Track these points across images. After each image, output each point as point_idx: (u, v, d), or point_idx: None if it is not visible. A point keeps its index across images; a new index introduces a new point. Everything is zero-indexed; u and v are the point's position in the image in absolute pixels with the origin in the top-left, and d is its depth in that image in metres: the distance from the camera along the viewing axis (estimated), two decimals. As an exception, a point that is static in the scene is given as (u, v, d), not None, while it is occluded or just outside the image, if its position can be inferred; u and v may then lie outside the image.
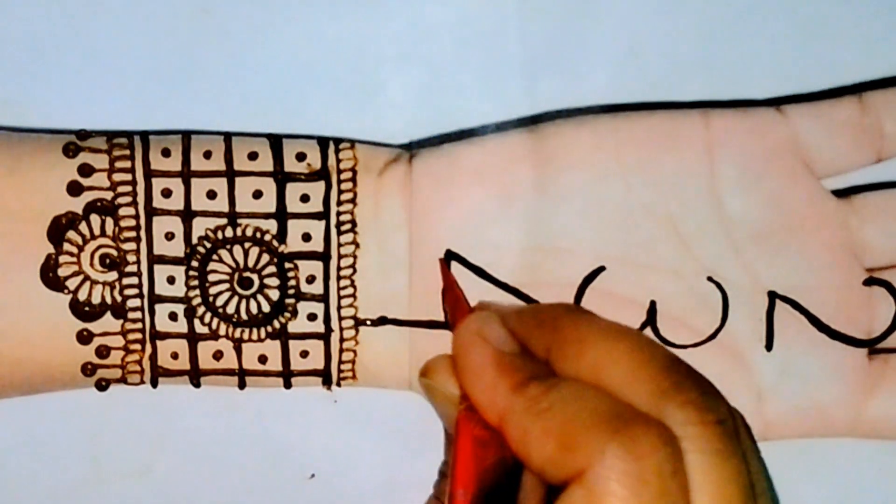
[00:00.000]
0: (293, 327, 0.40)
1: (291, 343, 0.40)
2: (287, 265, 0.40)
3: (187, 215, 0.40)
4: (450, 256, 0.40)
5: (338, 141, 0.41)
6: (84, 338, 0.40)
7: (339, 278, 0.40)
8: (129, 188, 0.40)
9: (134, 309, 0.40)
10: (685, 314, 0.40)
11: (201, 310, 0.40)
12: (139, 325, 0.40)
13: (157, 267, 0.40)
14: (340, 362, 0.41)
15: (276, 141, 0.40)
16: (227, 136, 0.40)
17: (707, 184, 0.40)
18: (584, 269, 0.40)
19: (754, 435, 0.40)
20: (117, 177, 0.40)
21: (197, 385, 0.41)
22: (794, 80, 0.42)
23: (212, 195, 0.40)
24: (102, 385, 0.41)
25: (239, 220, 0.40)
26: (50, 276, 0.39)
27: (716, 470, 0.31)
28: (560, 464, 0.31)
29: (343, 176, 0.40)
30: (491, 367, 0.34)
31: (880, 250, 0.41)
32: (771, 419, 0.41)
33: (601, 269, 0.40)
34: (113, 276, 0.40)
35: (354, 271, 0.40)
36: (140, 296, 0.40)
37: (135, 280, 0.40)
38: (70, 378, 0.40)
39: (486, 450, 0.33)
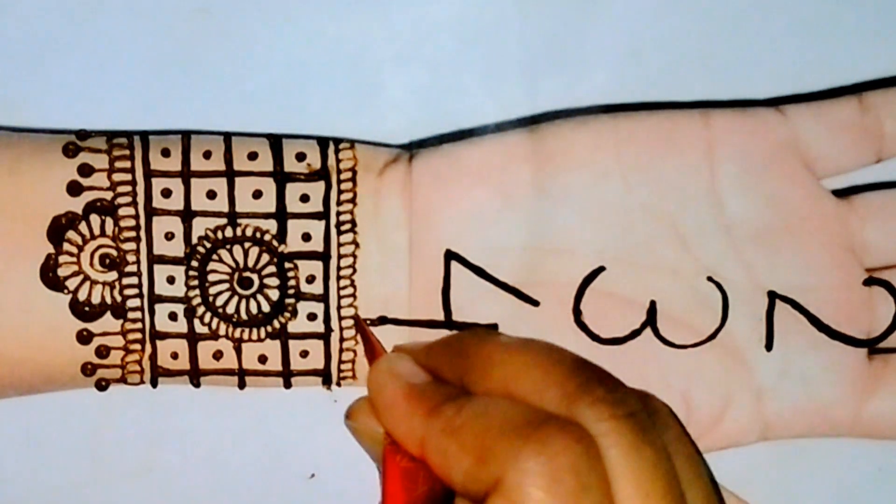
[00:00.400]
0: (293, 327, 0.40)
1: (291, 343, 0.40)
2: (287, 265, 0.40)
3: (187, 215, 0.40)
4: (450, 256, 0.40)
5: (338, 141, 0.41)
6: (84, 338, 0.40)
7: (339, 278, 0.40)
8: (128, 188, 0.40)
9: (134, 309, 0.40)
10: (685, 314, 0.40)
11: (201, 310, 0.40)
12: (139, 325, 0.40)
13: (156, 267, 0.40)
14: (340, 362, 0.41)
15: (275, 141, 0.40)
16: (227, 136, 0.40)
17: (707, 184, 0.40)
18: (584, 269, 0.40)
19: (754, 435, 0.41)
20: (117, 177, 0.40)
21: (197, 385, 0.41)
22: (794, 80, 0.42)
23: (211, 195, 0.40)
24: (102, 385, 0.41)
25: (239, 220, 0.40)
26: (50, 276, 0.39)
27: (632, 462, 0.30)
28: (478, 477, 0.31)
29: (343, 176, 0.40)
30: (403, 399, 0.34)
31: (880, 250, 0.41)
32: (771, 419, 0.41)
33: (601, 269, 0.40)
34: (113, 276, 0.40)
35: (354, 271, 0.40)
36: (140, 296, 0.40)
37: (135, 280, 0.40)
38: (70, 378, 0.40)
39: (414, 481, 0.33)
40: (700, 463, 0.33)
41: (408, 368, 0.36)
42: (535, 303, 0.40)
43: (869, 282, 0.41)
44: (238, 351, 0.40)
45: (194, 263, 0.40)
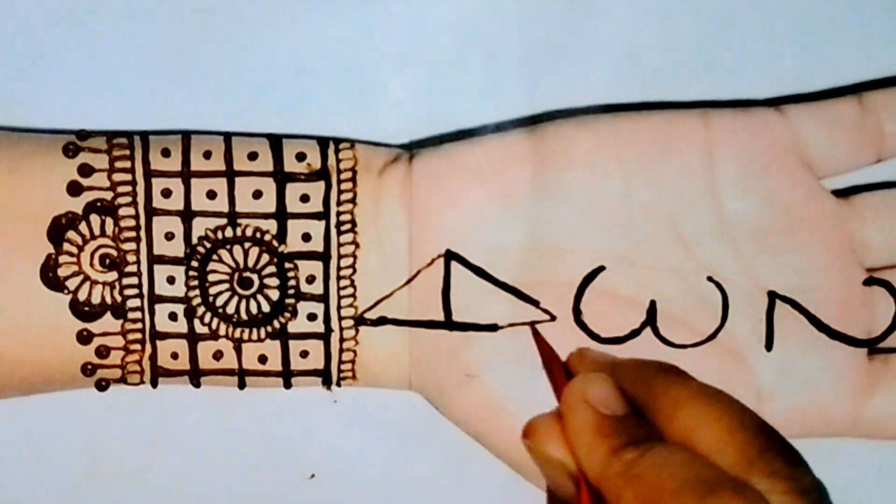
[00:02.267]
0: (293, 327, 0.40)
1: (291, 343, 0.40)
2: (287, 265, 0.40)
3: (187, 215, 0.40)
4: (450, 256, 0.40)
5: (338, 141, 0.41)
6: (84, 338, 0.40)
7: (339, 278, 0.40)
8: (128, 188, 0.40)
9: (134, 309, 0.40)
10: (685, 314, 0.40)
11: (201, 310, 0.40)
12: (139, 325, 0.40)
13: (156, 267, 0.40)
14: (340, 362, 0.41)
15: (275, 141, 0.40)
16: (227, 136, 0.40)
17: (707, 184, 0.40)
18: (584, 269, 0.40)
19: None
20: (117, 177, 0.40)
21: (197, 385, 0.41)
22: (794, 80, 0.42)
23: (212, 195, 0.40)
24: (102, 385, 0.41)
25: (239, 220, 0.40)
26: (50, 276, 0.39)
27: None
28: None
29: (343, 176, 0.40)
30: (591, 431, 0.34)
31: (880, 250, 0.41)
32: (771, 419, 0.40)
33: (601, 269, 0.40)
34: (113, 276, 0.40)
35: (354, 271, 0.40)
36: (140, 296, 0.40)
37: (135, 280, 0.40)
38: (70, 378, 0.40)
39: None
40: None
41: (602, 395, 0.35)
42: (536, 303, 0.40)
43: (869, 282, 0.41)
44: (238, 351, 0.40)
45: (194, 263, 0.40)
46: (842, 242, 0.41)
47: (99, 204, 0.40)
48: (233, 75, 0.41)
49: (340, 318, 0.40)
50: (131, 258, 0.40)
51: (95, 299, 0.40)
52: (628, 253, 0.40)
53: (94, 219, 0.39)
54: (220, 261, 0.40)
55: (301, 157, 0.40)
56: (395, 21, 0.41)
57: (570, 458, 0.34)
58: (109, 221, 0.40)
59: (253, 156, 0.40)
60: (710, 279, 0.40)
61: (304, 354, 0.41)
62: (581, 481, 0.33)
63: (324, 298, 0.40)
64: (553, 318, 0.40)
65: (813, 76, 0.42)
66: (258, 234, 0.40)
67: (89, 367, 0.40)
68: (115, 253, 0.40)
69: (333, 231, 0.40)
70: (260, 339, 0.40)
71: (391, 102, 0.42)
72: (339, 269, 0.40)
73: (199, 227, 0.40)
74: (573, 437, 0.34)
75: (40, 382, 0.41)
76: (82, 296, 0.40)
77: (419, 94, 0.42)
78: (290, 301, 0.40)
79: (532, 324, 0.40)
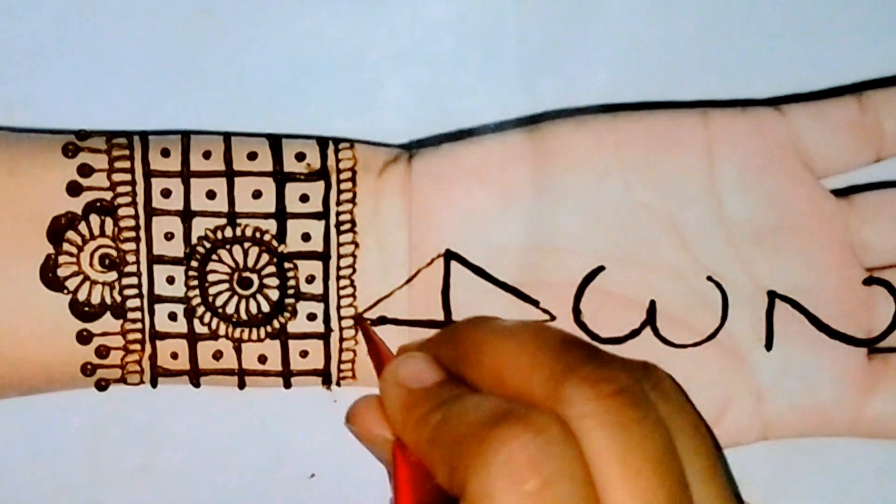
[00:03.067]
0: (293, 327, 0.40)
1: (291, 343, 0.40)
2: (287, 265, 0.40)
3: (187, 215, 0.40)
4: (450, 256, 0.40)
5: (337, 141, 0.41)
6: (84, 338, 0.40)
7: (338, 278, 0.40)
8: (128, 188, 0.40)
9: (133, 309, 0.40)
10: (685, 314, 0.40)
11: (201, 310, 0.40)
12: (139, 326, 0.40)
13: (156, 267, 0.40)
14: (340, 362, 0.41)
15: (275, 141, 0.40)
16: (227, 136, 0.40)
17: (707, 184, 0.40)
18: (584, 269, 0.40)
19: (754, 435, 0.41)
20: (117, 177, 0.40)
21: (197, 385, 0.41)
22: (794, 80, 0.42)
23: (211, 195, 0.40)
24: (102, 385, 0.41)
25: (238, 220, 0.40)
26: (49, 277, 0.39)
27: (618, 441, 0.30)
28: (453, 486, 0.31)
29: (342, 176, 0.40)
30: (401, 408, 0.34)
31: (880, 250, 0.41)
32: (771, 419, 0.41)
33: (601, 268, 0.40)
34: (112, 276, 0.40)
35: (354, 271, 0.40)
36: (140, 296, 0.40)
37: (134, 280, 0.40)
38: (70, 378, 0.40)
39: (423, 477, 0.33)
40: (705, 434, 0.32)
41: (411, 371, 0.35)
42: (535, 303, 0.40)
43: (869, 281, 0.41)
44: (238, 351, 0.40)
45: (194, 263, 0.40)
46: (842, 242, 0.40)
47: (98, 204, 0.40)
48: (233, 75, 0.41)
49: (340, 318, 0.40)
50: (131, 258, 0.40)
51: (95, 299, 0.40)
52: (628, 253, 0.40)
53: (94, 219, 0.39)
54: (220, 261, 0.40)
55: (301, 156, 0.40)
56: (395, 21, 0.41)
57: (391, 434, 0.35)
58: (109, 221, 0.40)
59: (252, 156, 0.40)
60: (709, 279, 0.40)
61: (304, 354, 0.41)
62: (395, 452, 0.34)
63: (323, 298, 0.40)
64: (553, 318, 0.40)
65: (813, 76, 0.42)
66: (258, 234, 0.40)
67: (89, 367, 0.40)
68: (114, 253, 0.40)
69: (333, 231, 0.40)
70: (260, 339, 0.40)
71: (391, 102, 0.42)
72: (338, 268, 0.40)
73: (199, 227, 0.40)
74: (391, 420, 0.35)
75: (40, 382, 0.41)
76: (82, 296, 0.40)
77: (419, 94, 0.42)
78: (290, 301, 0.40)
79: (359, 317, 0.40)
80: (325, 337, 0.41)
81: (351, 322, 0.40)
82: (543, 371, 0.31)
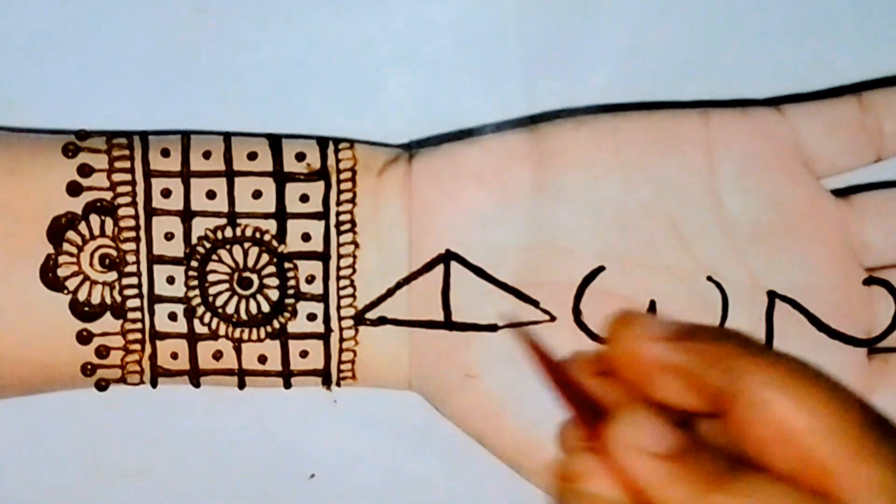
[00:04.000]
0: (293, 327, 0.40)
1: (291, 343, 0.40)
2: (287, 265, 0.40)
3: (187, 215, 0.40)
4: (450, 256, 0.40)
5: (337, 141, 0.41)
6: (84, 338, 0.40)
7: (338, 278, 0.40)
8: (128, 188, 0.40)
9: (133, 309, 0.40)
10: (685, 314, 0.40)
11: (201, 310, 0.40)
12: (139, 326, 0.40)
13: (156, 267, 0.40)
14: (340, 362, 0.41)
15: (275, 141, 0.40)
16: (227, 136, 0.40)
17: (707, 184, 0.40)
18: (584, 269, 0.40)
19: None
20: (117, 177, 0.40)
21: (197, 385, 0.41)
22: (794, 80, 0.42)
23: (211, 195, 0.40)
24: (102, 385, 0.41)
25: (238, 220, 0.40)
26: (49, 277, 0.39)
27: None
28: None
29: (342, 176, 0.40)
30: (660, 479, 0.29)
31: (880, 250, 0.41)
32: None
33: (601, 268, 0.40)
34: (112, 276, 0.40)
35: (354, 271, 0.40)
36: (140, 296, 0.40)
37: (134, 280, 0.40)
38: (70, 378, 0.40)
39: None
40: None
41: (650, 435, 0.29)
42: (536, 303, 0.40)
43: (869, 281, 0.41)
44: (238, 351, 0.40)
45: (194, 263, 0.40)
46: (841, 242, 0.40)
47: (98, 204, 0.40)
48: (233, 75, 0.42)
49: (340, 318, 0.40)
50: (131, 258, 0.40)
51: (95, 299, 0.40)
52: (628, 253, 0.40)
53: (94, 219, 0.40)
54: (220, 261, 0.40)
55: (300, 156, 0.40)
56: (395, 21, 0.42)
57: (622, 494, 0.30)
58: (109, 221, 0.40)
59: (252, 156, 0.40)
60: (709, 279, 0.40)
61: (304, 354, 0.41)
62: None
63: (323, 298, 0.40)
64: (553, 319, 0.40)
65: (813, 76, 0.42)
66: (258, 234, 0.40)
67: (89, 367, 0.40)
68: (114, 253, 0.40)
69: (333, 231, 0.40)
70: (260, 339, 0.40)
71: (391, 102, 0.42)
72: (338, 269, 0.40)
73: (199, 227, 0.40)
74: (645, 492, 0.29)
75: (40, 382, 0.41)
76: (82, 296, 0.40)
77: (419, 94, 0.42)
78: (290, 301, 0.40)
79: (531, 342, 0.33)
80: (324, 337, 0.41)
81: (351, 322, 0.40)
82: (845, 446, 0.28)
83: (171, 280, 0.40)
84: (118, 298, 0.40)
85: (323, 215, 0.40)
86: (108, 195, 0.40)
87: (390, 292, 0.40)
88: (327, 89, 0.42)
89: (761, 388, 0.29)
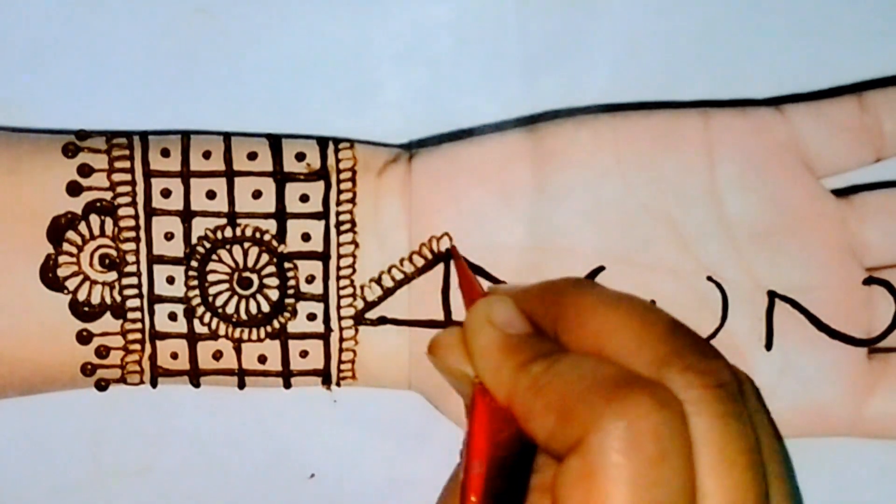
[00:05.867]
0: (293, 327, 0.40)
1: (291, 343, 0.40)
2: (286, 265, 0.40)
3: (186, 215, 0.40)
4: (450, 256, 0.40)
5: (337, 141, 0.41)
6: (84, 338, 0.40)
7: (338, 278, 0.40)
8: (128, 188, 0.40)
9: (133, 309, 0.40)
10: (685, 314, 0.40)
11: (201, 310, 0.40)
12: (139, 326, 0.40)
13: (156, 267, 0.40)
14: (340, 362, 0.41)
15: (275, 141, 0.40)
16: (227, 137, 0.40)
17: (707, 183, 0.40)
18: (584, 269, 0.40)
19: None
20: (116, 177, 0.40)
21: (196, 385, 0.41)
22: (794, 80, 0.42)
23: (211, 195, 0.40)
24: (102, 385, 0.41)
25: (238, 220, 0.40)
26: (49, 277, 0.39)
27: (717, 432, 0.31)
28: (560, 437, 0.31)
29: (342, 176, 0.40)
30: (496, 350, 0.34)
31: (880, 250, 0.41)
32: (771, 419, 0.40)
33: (601, 268, 0.40)
34: (112, 276, 0.40)
35: (354, 271, 0.40)
36: (139, 296, 0.40)
37: (134, 280, 0.40)
38: (70, 378, 0.40)
39: (501, 423, 0.33)
40: (778, 437, 0.33)
41: (505, 316, 0.35)
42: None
43: (869, 281, 0.41)
44: (238, 351, 0.40)
45: (194, 263, 0.40)
46: (841, 242, 0.40)
47: (98, 204, 0.40)
48: (233, 75, 0.42)
49: (340, 318, 0.40)
50: (131, 258, 0.40)
51: (95, 299, 0.40)
52: (628, 253, 0.40)
53: (94, 219, 0.40)
54: (220, 261, 0.40)
55: (300, 156, 0.40)
56: (395, 21, 0.42)
57: (472, 369, 0.35)
58: (109, 221, 0.40)
59: (252, 156, 0.40)
60: (709, 279, 0.40)
61: (304, 354, 0.41)
62: (476, 394, 0.34)
63: (323, 298, 0.40)
64: None
65: (813, 76, 0.42)
66: (258, 234, 0.40)
67: (89, 367, 0.40)
68: (114, 253, 0.40)
69: (333, 231, 0.40)
70: (259, 339, 0.40)
71: (391, 102, 0.42)
72: (338, 268, 0.40)
73: (199, 227, 0.40)
74: (479, 359, 0.34)
75: (40, 382, 0.41)
76: (82, 296, 0.40)
77: (419, 94, 0.42)
78: (290, 301, 0.40)
79: (452, 249, 0.40)
80: (324, 337, 0.41)
81: (351, 322, 0.40)
82: (649, 351, 0.32)
83: (171, 280, 0.40)
84: (118, 298, 0.40)
85: (323, 215, 0.40)
86: (108, 195, 0.40)
87: (390, 292, 0.40)
88: (327, 89, 0.42)
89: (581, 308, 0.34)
